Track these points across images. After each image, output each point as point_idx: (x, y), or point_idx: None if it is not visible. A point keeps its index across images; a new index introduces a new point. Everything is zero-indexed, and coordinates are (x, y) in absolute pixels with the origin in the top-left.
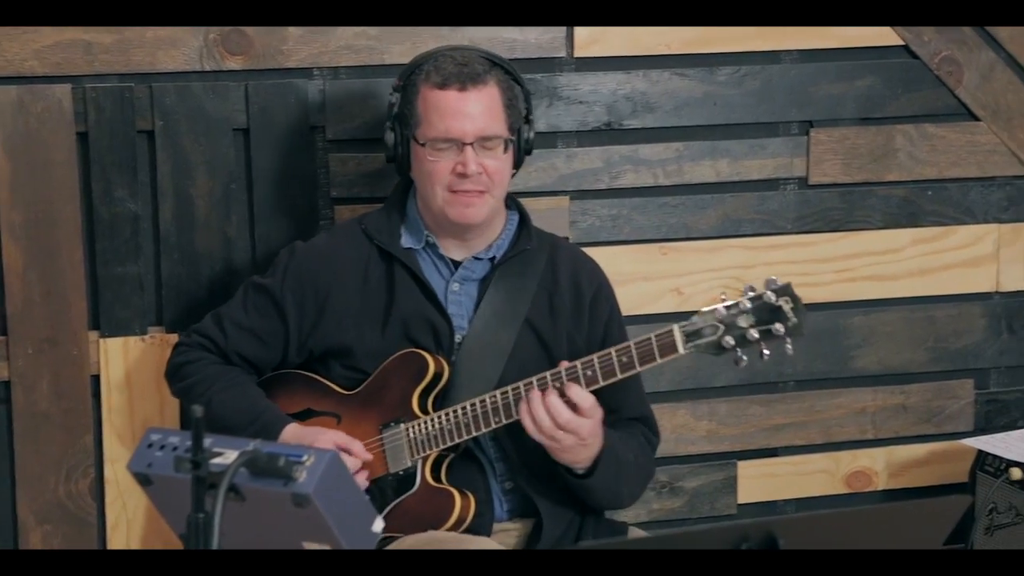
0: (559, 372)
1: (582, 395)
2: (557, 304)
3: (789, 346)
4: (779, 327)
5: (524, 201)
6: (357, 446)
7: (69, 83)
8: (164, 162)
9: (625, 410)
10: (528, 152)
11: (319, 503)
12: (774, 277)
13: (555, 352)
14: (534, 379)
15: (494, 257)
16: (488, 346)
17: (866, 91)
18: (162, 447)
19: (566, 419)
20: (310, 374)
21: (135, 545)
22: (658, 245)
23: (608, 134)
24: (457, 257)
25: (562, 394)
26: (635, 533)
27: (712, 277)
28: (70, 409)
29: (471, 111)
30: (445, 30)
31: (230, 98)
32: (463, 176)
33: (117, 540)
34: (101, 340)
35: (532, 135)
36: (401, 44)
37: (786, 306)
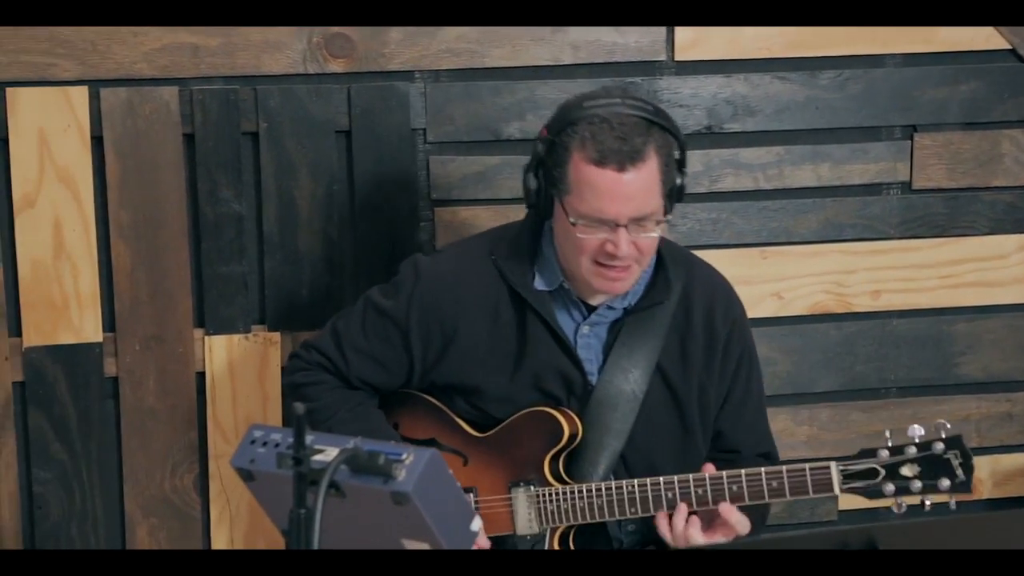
0: (704, 480)
1: (740, 522)
2: (690, 349)
3: (952, 500)
4: (945, 483)
5: None
6: (484, 544)
7: (176, 85)
8: (268, 163)
9: (749, 448)
10: (679, 200)
11: (418, 501)
12: (945, 423)
13: (684, 401)
14: (676, 483)
15: (628, 305)
16: (619, 396)
17: (971, 95)
18: (265, 444)
19: (700, 543)
20: (437, 403)
21: (238, 539)
22: (758, 249)
23: (708, 138)
24: (591, 301)
25: (706, 503)
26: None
27: (813, 282)
28: (176, 405)
29: (629, 192)
30: (545, 31)
31: (333, 100)
32: (613, 256)
33: (221, 534)
34: (206, 338)
35: (685, 182)
36: (501, 47)
37: (954, 460)
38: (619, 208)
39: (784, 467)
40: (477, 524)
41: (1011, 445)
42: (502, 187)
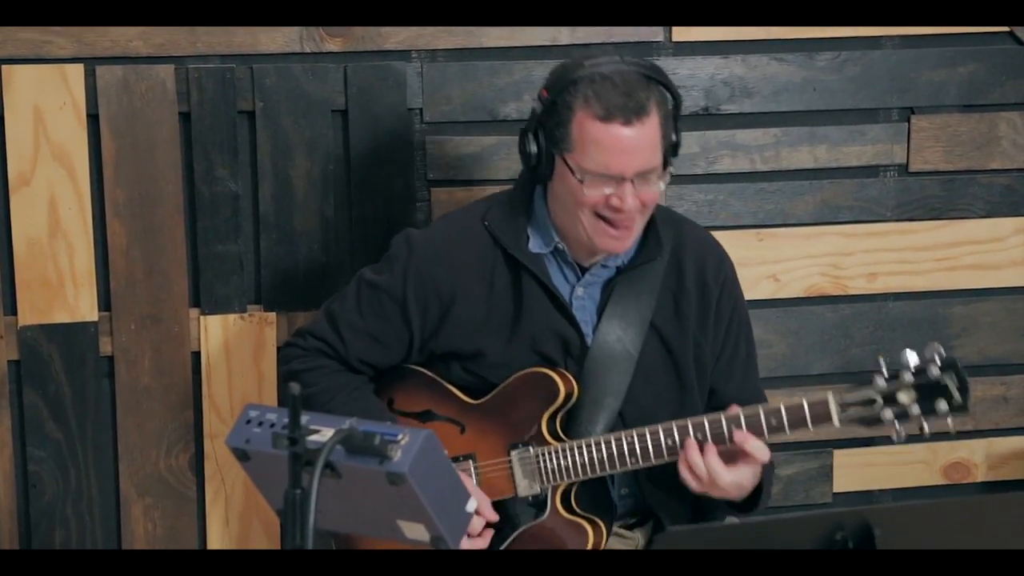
0: (702, 424)
1: (758, 447)
2: (683, 308)
3: (951, 423)
4: (943, 405)
5: None
6: (485, 505)
7: (172, 64)
8: (264, 142)
9: (743, 404)
10: (675, 155)
11: (413, 482)
12: (939, 347)
13: (680, 359)
14: (675, 429)
15: (621, 264)
16: (615, 355)
17: (969, 77)
18: (260, 423)
19: (728, 481)
20: (431, 375)
21: (233, 519)
22: (755, 231)
23: (705, 119)
24: (584, 262)
25: (721, 441)
26: (729, 519)
27: (809, 264)
28: (171, 385)
29: (634, 147)
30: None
31: (329, 80)
32: (618, 211)
33: (216, 514)
34: (201, 317)
35: (680, 139)
36: (500, 28)
37: (951, 383)
38: (626, 162)
39: (782, 404)
40: (472, 505)
41: (1006, 428)
42: (499, 167)
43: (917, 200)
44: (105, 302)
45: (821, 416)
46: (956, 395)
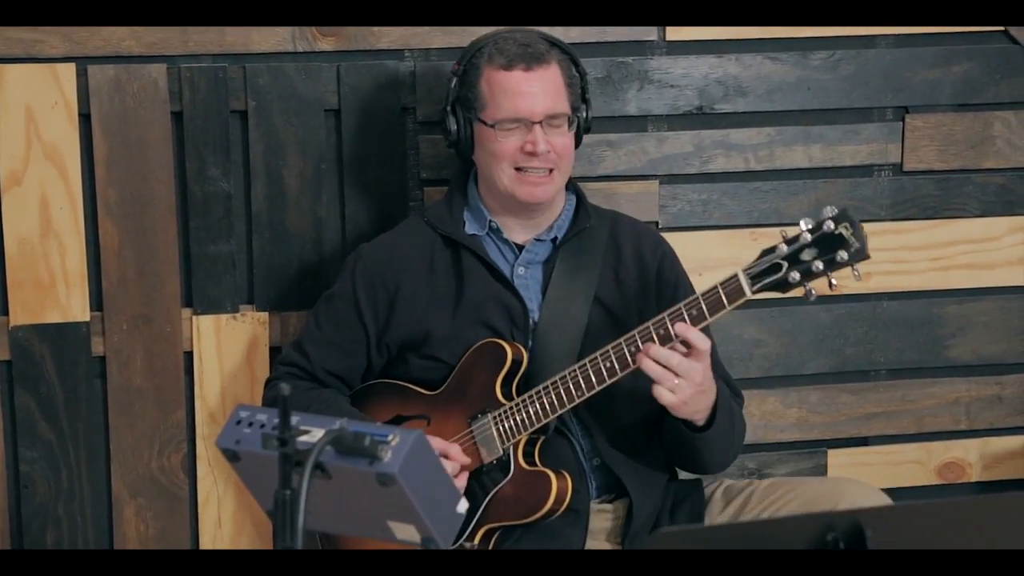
0: (636, 333)
1: (694, 335)
2: (623, 278)
3: (857, 272)
4: (843, 254)
5: (613, 185)
6: (455, 450)
7: (164, 63)
8: (256, 142)
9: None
10: (587, 131)
11: (404, 483)
12: (832, 206)
13: (627, 326)
14: (611, 350)
15: (556, 238)
16: (563, 325)
17: (963, 76)
18: (250, 424)
19: (677, 361)
20: (394, 381)
21: (226, 520)
22: (749, 231)
23: (699, 118)
24: (520, 240)
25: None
26: (723, 519)
27: None
28: (163, 385)
29: (538, 90)
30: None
31: (322, 79)
32: (532, 155)
33: (208, 515)
34: (194, 317)
35: (589, 115)
36: (492, 26)
37: (846, 232)
38: (531, 104)
39: (699, 293)
40: (463, 506)
41: (1000, 428)
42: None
43: (911, 199)
44: (97, 302)
45: (735, 292)
46: (853, 241)
